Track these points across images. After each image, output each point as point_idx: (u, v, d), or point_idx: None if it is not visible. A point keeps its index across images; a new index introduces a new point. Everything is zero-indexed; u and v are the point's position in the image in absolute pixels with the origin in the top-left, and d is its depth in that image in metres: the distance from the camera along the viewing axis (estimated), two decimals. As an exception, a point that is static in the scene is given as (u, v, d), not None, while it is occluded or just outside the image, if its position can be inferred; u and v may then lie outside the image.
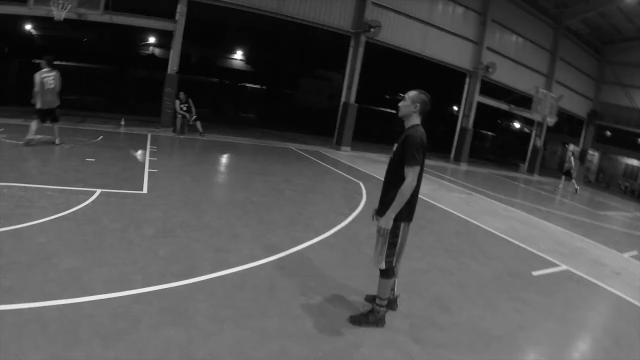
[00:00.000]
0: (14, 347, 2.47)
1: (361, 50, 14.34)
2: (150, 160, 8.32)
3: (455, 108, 23.14)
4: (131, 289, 3.33)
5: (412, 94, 3.01)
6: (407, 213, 2.99)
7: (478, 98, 17.56)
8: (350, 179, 9.48)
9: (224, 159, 10.25)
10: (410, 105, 2.99)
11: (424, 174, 3.07)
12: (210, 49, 25.01)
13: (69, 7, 10.13)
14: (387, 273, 3.09)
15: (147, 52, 24.82)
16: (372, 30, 13.89)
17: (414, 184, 2.88)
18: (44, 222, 4.51)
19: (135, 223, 4.86)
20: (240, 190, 7.19)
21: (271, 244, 4.80)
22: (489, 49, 17.46)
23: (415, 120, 3.01)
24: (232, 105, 22.31)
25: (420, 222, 6.49)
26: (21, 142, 8.23)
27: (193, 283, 3.58)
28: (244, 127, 16.05)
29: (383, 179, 3.18)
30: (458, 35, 16.65)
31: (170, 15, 11.91)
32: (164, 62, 12.56)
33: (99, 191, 5.81)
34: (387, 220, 2.92)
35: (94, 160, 7.78)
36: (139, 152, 9.07)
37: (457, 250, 5.73)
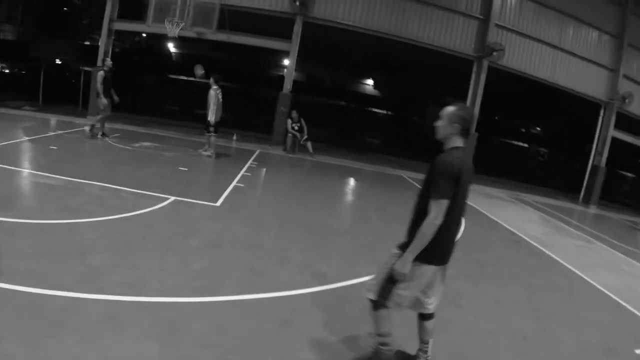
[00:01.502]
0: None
1: (483, 76, 14.97)
2: (242, 175, 9.17)
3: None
4: (138, 296, 3.63)
5: (449, 111, 2.81)
6: (432, 255, 2.77)
7: (613, 133, 17.19)
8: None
9: (321, 180, 10.64)
10: (448, 125, 2.79)
11: (464, 207, 2.89)
12: (342, 73, 27.82)
13: (182, 25, 12.23)
14: (377, 305, 2.90)
15: (277, 73, 28.33)
16: (494, 54, 14.41)
17: (438, 221, 2.65)
18: (102, 220, 5.33)
19: (187, 232, 5.36)
20: (318, 212, 7.40)
21: (318, 274, 4.74)
22: (625, 77, 16.88)
23: (455, 142, 2.80)
24: (359, 129, 23.90)
25: (515, 269, 6.35)
26: (206, 154, 10.60)
27: (204, 302, 3.74)
28: (365, 151, 16.86)
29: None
30: (591, 62, 16.53)
31: (288, 36, 13.71)
32: (296, 84, 14.14)
33: (172, 198, 6.63)
34: (404, 264, 2.73)
35: (186, 169, 9.01)
36: (237, 166, 10.07)
37: (545, 310, 4.99)
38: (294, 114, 13.09)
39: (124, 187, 6.87)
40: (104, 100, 10.63)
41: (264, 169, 10.52)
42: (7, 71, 26.44)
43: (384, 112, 28.15)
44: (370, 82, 30.02)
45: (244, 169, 9.97)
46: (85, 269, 4.01)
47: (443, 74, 21.92)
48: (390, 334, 3.00)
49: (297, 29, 13.61)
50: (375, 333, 3.00)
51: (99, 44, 14.64)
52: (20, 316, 3.13)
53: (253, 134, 15.47)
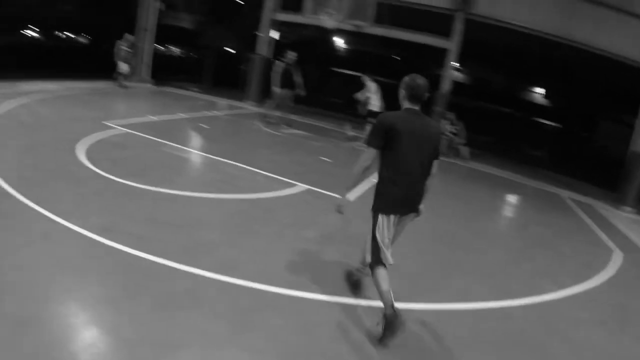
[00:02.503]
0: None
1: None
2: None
3: None
4: (227, 275, 3.82)
5: (402, 80, 3.51)
6: (382, 204, 3.48)
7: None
8: (606, 245, 7.48)
9: (469, 188, 9.94)
10: (400, 92, 3.50)
11: (410, 162, 3.42)
12: (511, 79, 27.73)
13: (338, 16, 12.67)
14: (371, 268, 3.49)
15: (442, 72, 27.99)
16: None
17: (364, 163, 3.39)
18: (226, 198, 5.82)
19: (305, 222, 5.50)
20: (452, 222, 6.93)
21: (423, 288, 4.44)
22: None
23: (405, 105, 3.47)
24: (523, 139, 23.44)
25: None
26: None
27: (289, 296, 3.76)
28: (525, 164, 15.67)
29: None
30: None
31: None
32: (462, 86, 13.93)
33: (304, 187, 6.87)
34: (340, 199, 3.69)
35: (329, 160, 9.24)
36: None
37: None
38: (451, 115, 12.90)
39: (260, 170, 7.38)
40: (277, 90, 11.86)
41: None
42: (181, 56, 30.96)
43: (552, 124, 27.16)
44: (541, 90, 29.50)
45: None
46: (189, 241, 4.36)
47: (621, 86, 19.86)
48: (390, 291, 3.35)
49: (458, 26, 13.36)
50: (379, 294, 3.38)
51: (260, 34, 16.02)
52: (109, 271, 3.58)
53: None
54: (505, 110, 26.90)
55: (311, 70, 25.85)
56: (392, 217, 3.46)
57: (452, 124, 12.76)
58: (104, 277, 3.50)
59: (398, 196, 3.45)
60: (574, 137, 26.00)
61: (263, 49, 15.93)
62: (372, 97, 11.11)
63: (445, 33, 13.66)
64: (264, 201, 6.02)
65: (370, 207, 3.53)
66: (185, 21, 39.15)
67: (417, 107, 3.45)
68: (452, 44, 13.48)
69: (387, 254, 3.48)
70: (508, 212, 9.05)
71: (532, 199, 10.33)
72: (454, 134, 12.75)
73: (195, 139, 9.19)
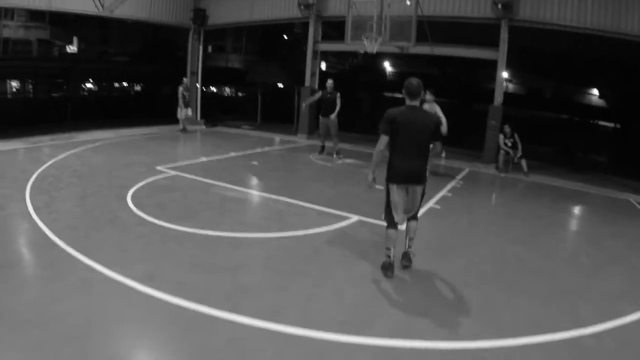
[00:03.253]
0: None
1: None
2: (443, 196, 8.67)
3: None
4: (274, 322, 3.60)
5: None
6: (391, 175, 4.72)
7: None
8: None
9: (531, 205, 9.23)
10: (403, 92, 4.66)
11: (409, 146, 4.57)
12: (563, 83, 27.60)
13: (379, 40, 12.53)
14: (386, 225, 4.89)
15: (492, 86, 27.66)
16: None
17: (379, 148, 4.61)
18: (272, 237, 5.65)
19: (356, 257, 5.20)
20: (517, 244, 6.41)
21: (495, 323, 3.91)
22: None
23: (407, 102, 4.63)
24: (581, 145, 22.50)
25: None
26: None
27: (344, 343, 3.46)
28: (587, 170, 14.95)
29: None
30: None
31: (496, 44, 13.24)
32: (514, 97, 13.65)
33: (355, 218, 6.62)
34: (367, 176, 4.94)
35: (382, 187, 8.90)
36: (440, 186, 9.55)
37: None
38: (507, 128, 12.47)
39: (309, 203, 7.25)
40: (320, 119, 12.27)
41: (469, 190, 9.74)
42: (230, 95, 31.91)
43: (611, 124, 26.23)
44: (595, 91, 28.69)
45: (447, 188, 9.47)
46: (233, 286, 4.21)
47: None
48: (391, 248, 4.80)
49: (504, 35, 13.01)
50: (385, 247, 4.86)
51: (306, 65, 16.21)
52: (148, 321, 3.50)
53: (465, 150, 14.82)
54: (560, 116, 26.37)
55: (364, 97, 26.07)
56: (399, 185, 4.69)
57: (507, 137, 12.28)
58: (141, 328, 3.40)
59: (402, 170, 4.63)
60: (634, 136, 24.76)
61: (310, 81, 16.01)
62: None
63: (491, 44, 13.39)
64: (313, 237, 5.80)
65: (385, 178, 4.77)
66: (234, 62, 40.65)
67: (415, 103, 4.61)
68: (499, 54, 13.10)
69: (397, 216, 4.81)
70: (575, 226, 8.32)
71: (598, 208, 9.60)
72: (511, 147, 12.24)
73: (244, 177, 9.16)
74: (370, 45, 12.51)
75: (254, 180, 8.93)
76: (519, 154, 12.15)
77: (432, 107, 9.61)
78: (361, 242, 5.74)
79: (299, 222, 6.32)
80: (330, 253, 5.28)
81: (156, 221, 5.89)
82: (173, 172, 8.98)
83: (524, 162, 12.06)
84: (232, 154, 11.85)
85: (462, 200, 8.69)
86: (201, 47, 19.63)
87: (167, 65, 22.37)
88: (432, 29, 13.37)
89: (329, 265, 4.90)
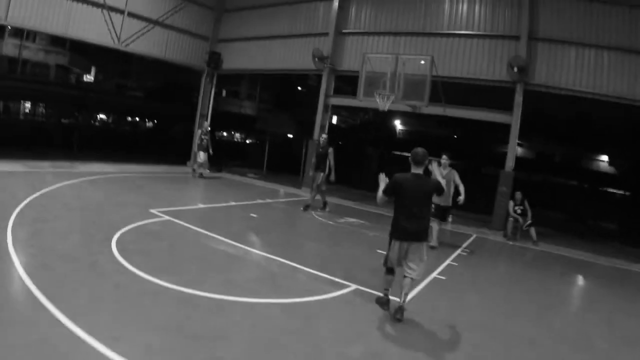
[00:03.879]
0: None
1: None
2: (448, 265, 8.14)
3: None
4: None
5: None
6: (393, 232, 5.38)
7: None
8: None
9: (541, 277, 8.70)
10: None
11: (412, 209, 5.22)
12: (574, 149, 27.96)
13: (392, 98, 12.43)
14: (385, 271, 5.55)
15: (503, 150, 27.92)
16: None
17: (378, 201, 5.40)
18: (258, 302, 5.16)
19: (349, 334, 4.68)
20: (526, 323, 5.86)
21: None
22: None
23: (412, 169, 5.32)
24: (591, 212, 22.42)
25: None
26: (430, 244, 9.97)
27: None
28: (598, 239, 14.66)
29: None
30: None
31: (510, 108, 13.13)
32: (523, 161, 13.56)
33: (352, 287, 6.12)
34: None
35: (384, 252, 8.47)
36: (446, 253, 9.07)
37: None
38: (518, 195, 12.16)
39: (304, 266, 6.76)
40: (310, 173, 11.73)
41: (476, 259, 9.26)
42: (240, 141, 31.98)
43: (621, 192, 26.35)
44: (604, 157, 29.03)
45: (453, 256, 8.93)
46: (205, 359, 3.70)
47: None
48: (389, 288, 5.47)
49: (518, 99, 12.92)
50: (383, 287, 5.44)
51: (316, 118, 16.14)
52: None
53: (473, 215, 14.40)
54: (569, 182, 26.46)
55: (372, 154, 25.95)
56: (399, 242, 5.26)
57: (517, 204, 11.92)
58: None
59: (405, 229, 5.19)
60: None
61: (319, 134, 15.85)
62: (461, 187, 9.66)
63: (504, 108, 13.30)
64: (305, 306, 5.30)
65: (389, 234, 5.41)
66: (247, 108, 41.06)
67: (419, 170, 5.26)
68: (513, 119, 12.93)
69: (392, 265, 5.44)
70: (587, 302, 7.72)
71: (612, 282, 9.06)
72: (521, 214, 11.86)
73: (239, 230, 8.72)
74: (382, 103, 12.36)
75: (249, 235, 8.45)
76: (529, 221, 11.78)
77: (451, 174, 9.29)
78: (357, 317, 5.22)
79: (292, 288, 5.86)
80: (322, 327, 4.76)
81: (136, 271, 5.47)
82: (166, 217, 8.63)
83: (533, 230, 11.66)
84: (232, 202, 11.51)
85: (468, 270, 8.18)
86: (213, 91, 19.69)
87: (182, 106, 22.46)
88: (445, 89, 13.27)
89: (319, 343, 4.37)
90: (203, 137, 15.29)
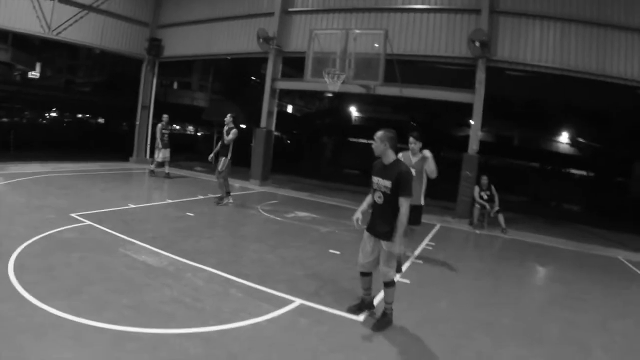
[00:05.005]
0: None
1: None
2: (412, 264, 6.98)
3: None
4: None
5: (379, 134, 4.44)
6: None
7: None
8: None
9: (514, 269, 7.76)
10: (381, 144, 4.41)
11: None
12: (533, 131, 27.49)
13: (342, 77, 11.19)
14: (394, 282, 4.58)
15: (462, 134, 27.57)
16: None
17: (409, 212, 4.32)
18: (171, 333, 3.95)
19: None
20: (510, 333, 4.79)
21: None
22: None
23: (391, 155, 4.42)
24: (553, 195, 22.52)
25: None
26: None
27: None
28: (562, 222, 14.06)
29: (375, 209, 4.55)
30: None
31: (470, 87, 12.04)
32: (482, 144, 12.43)
33: (297, 302, 4.90)
34: (399, 245, 4.29)
35: (338, 253, 7.23)
36: (412, 249, 7.89)
37: None
38: (484, 179, 11.10)
39: (239, 277, 5.52)
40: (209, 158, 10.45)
41: (443, 254, 8.15)
42: (192, 134, 30.33)
43: (583, 172, 26.59)
44: (565, 138, 28.88)
45: (416, 252, 7.77)
46: None
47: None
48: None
49: (480, 75, 11.77)
50: (387, 302, 4.64)
51: (263, 104, 14.66)
52: None
53: (434, 202, 13.41)
54: (531, 164, 26.45)
55: (327, 142, 24.89)
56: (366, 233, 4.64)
57: (483, 189, 10.92)
58: None
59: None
60: (607, 185, 24.71)
61: (266, 122, 14.47)
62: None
63: (469, 87, 12.20)
64: (230, 336, 4.01)
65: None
66: (200, 100, 39.23)
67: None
68: (475, 97, 11.82)
69: (359, 259, 4.73)
70: (576, 303, 6.14)
71: (593, 272, 8.15)
72: (487, 200, 10.88)
73: (168, 234, 7.29)
74: (332, 83, 11.08)
75: (178, 240, 7.01)
76: (496, 207, 10.81)
77: (422, 162, 6.56)
78: (300, 344, 3.99)
79: (216, 309, 4.53)
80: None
81: (28, 296, 4.22)
82: (87, 222, 7.21)
83: (501, 217, 10.71)
84: (169, 200, 10.09)
85: (435, 270, 7.02)
86: (155, 80, 17.98)
87: (128, 99, 20.53)
88: (402, 70, 12.06)
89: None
90: (164, 131, 13.51)
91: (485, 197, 10.89)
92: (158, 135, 13.49)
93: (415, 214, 6.22)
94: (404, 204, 4.22)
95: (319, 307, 4.83)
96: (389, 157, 4.39)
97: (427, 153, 6.39)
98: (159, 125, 13.57)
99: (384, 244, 4.39)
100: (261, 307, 4.67)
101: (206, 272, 5.57)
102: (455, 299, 5.75)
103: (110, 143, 20.49)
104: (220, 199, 10.31)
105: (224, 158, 10.01)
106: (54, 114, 34.70)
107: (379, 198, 4.44)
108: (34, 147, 17.20)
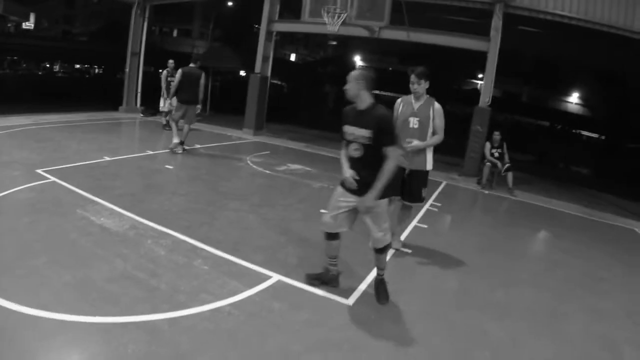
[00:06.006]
0: None
1: None
2: (414, 228, 6.10)
3: None
4: None
5: (353, 73, 3.60)
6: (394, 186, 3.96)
7: None
8: None
9: (530, 242, 6.94)
10: (355, 85, 3.56)
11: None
12: (544, 89, 26.48)
13: (343, 16, 9.98)
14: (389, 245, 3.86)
15: (469, 87, 26.17)
16: None
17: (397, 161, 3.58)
18: (108, 322, 3.08)
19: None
20: (533, 323, 3.89)
21: None
22: None
23: (368, 97, 3.57)
24: (562, 156, 21.44)
25: None
26: None
27: None
28: (571, 185, 13.23)
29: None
30: None
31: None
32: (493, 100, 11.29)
33: (274, 278, 4.04)
34: (373, 198, 3.50)
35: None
36: (415, 211, 6.94)
37: None
38: (496, 135, 10.04)
39: (208, 245, 4.64)
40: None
41: (450, 215, 7.23)
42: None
43: (595, 135, 25.49)
44: (576, 98, 27.71)
45: (420, 215, 6.85)
46: None
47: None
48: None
49: (497, 22, 10.51)
50: (380, 267, 3.95)
51: (258, 48, 13.40)
52: None
53: (440, 157, 12.45)
54: (539, 122, 25.58)
55: (329, 91, 23.70)
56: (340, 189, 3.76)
57: (495, 146, 9.92)
58: None
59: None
60: (620, 149, 23.93)
61: (261, 67, 13.29)
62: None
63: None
64: (184, 325, 3.18)
65: None
66: (200, 47, 37.79)
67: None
68: (490, 45, 10.61)
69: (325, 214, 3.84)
70: (596, 282, 5.30)
71: (609, 246, 7.08)
72: (498, 158, 9.91)
73: (138, 191, 6.39)
74: (331, 23, 9.89)
75: (148, 198, 6.11)
76: (507, 164, 9.84)
77: (427, 107, 4.92)
78: (268, 346, 3.12)
79: (173, 288, 3.66)
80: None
81: None
82: (52, 179, 6.30)
83: (510, 176, 9.76)
84: (149, 152, 9.13)
85: (441, 238, 6.13)
86: (145, 25, 16.62)
87: (125, 47, 19.19)
88: (410, 15, 10.78)
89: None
90: (170, 79, 11.82)
91: (496, 154, 9.91)
92: (163, 84, 12.15)
93: (415, 182, 4.95)
94: (392, 155, 3.46)
95: (299, 286, 3.96)
96: (365, 100, 3.58)
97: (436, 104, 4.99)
98: (164, 72, 12.20)
99: (359, 200, 3.60)
100: (227, 286, 3.81)
101: (171, 238, 4.71)
102: (465, 278, 4.82)
103: (103, 93, 19.38)
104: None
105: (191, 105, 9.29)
106: (50, 65, 33.43)
107: (355, 151, 3.61)
108: (24, 99, 16.09)
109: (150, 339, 2.96)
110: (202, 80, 9.17)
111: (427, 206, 7.38)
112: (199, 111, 9.48)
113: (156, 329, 3.08)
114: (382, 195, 3.54)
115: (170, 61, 12.29)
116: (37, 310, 3.08)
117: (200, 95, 9.22)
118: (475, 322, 3.79)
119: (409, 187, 4.93)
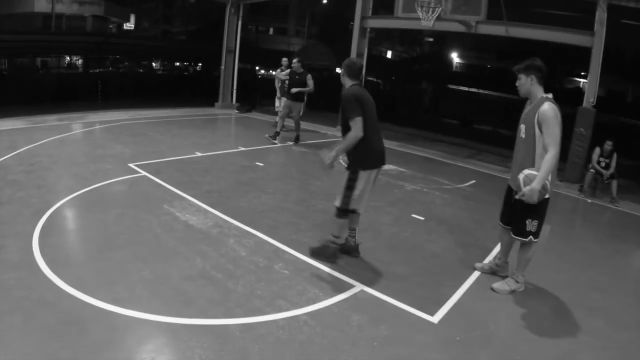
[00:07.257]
0: None
1: None
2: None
3: None
4: None
5: (343, 64, 4.26)
6: (365, 161, 4.15)
7: None
8: None
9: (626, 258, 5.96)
10: (342, 73, 4.25)
11: (376, 124, 4.19)
12: None
13: (438, 10, 9.43)
14: (339, 213, 4.16)
15: (570, 86, 24.28)
16: None
17: (360, 134, 3.96)
18: (210, 324, 3.04)
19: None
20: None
21: None
22: None
23: (347, 83, 4.17)
24: None
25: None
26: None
27: None
28: None
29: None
30: None
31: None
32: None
33: (357, 288, 3.79)
34: (331, 156, 4.13)
35: (422, 219, 5.94)
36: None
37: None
38: (608, 146, 9.08)
39: (291, 247, 4.54)
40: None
41: (547, 228, 6.50)
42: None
43: None
44: None
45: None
46: None
47: None
48: (342, 236, 4.30)
49: (601, 15, 9.39)
50: (332, 234, 4.27)
51: (352, 45, 13.11)
52: None
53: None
54: None
55: (426, 88, 23.02)
56: (369, 171, 4.19)
57: (604, 155, 8.93)
58: None
59: (379, 152, 4.31)
60: None
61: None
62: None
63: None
64: (256, 332, 3.02)
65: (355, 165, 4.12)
66: (296, 45, 38.56)
67: (358, 82, 4.21)
68: (595, 40, 9.56)
69: (362, 206, 4.27)
70: None
71: None
72: (605, 167, 8.91)
73: (226, 187, 6.42)
74: (426, 17, 9.45)
75: (235, 195, 6.10)
76: (611, 170, 8.83)
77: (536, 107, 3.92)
78: (352, 359, 2.88)
79: (250, 292, 3.54)
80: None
81: (41, 263, 3.68)
82: (143, 173, 6.59)
83: (614, 184, 8.71)
84: (241, 148, 9.24)
85: (539, 250, 5.52)
86: (239, 23, 17.08)
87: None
88: (508, 9, 10.05)
89: None
90: (281, 77, 11.40)
91: (603, 164, 8.92)
92: (277, 84, 11.82)
93: (520, 209, 3.94)
94: (352, 126, 3.96)
95: (383, 298, 3.68)
96: (347, 84, 4.19)
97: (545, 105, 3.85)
98: (277, 71, 11.87)
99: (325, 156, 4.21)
100: (306, 293, 3.63)
101: (254, 238, 4.64)
102: (559, 301, 4.24)
103: (200, 89, 20.16)
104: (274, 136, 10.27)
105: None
106: (152, 64, 35.55)
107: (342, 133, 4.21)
108: (125, 96, 17.12)
109: (220, 345, 2.84)
110: (310, 81, 10.01)
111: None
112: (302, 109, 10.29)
113: (227, 334, 2.96)
114: (349, 166, 4.16)
115: (284, 59, 11.84)
116: (110, 305, 3.09)
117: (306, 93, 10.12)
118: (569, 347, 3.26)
119: (513, 214, 4.11)
